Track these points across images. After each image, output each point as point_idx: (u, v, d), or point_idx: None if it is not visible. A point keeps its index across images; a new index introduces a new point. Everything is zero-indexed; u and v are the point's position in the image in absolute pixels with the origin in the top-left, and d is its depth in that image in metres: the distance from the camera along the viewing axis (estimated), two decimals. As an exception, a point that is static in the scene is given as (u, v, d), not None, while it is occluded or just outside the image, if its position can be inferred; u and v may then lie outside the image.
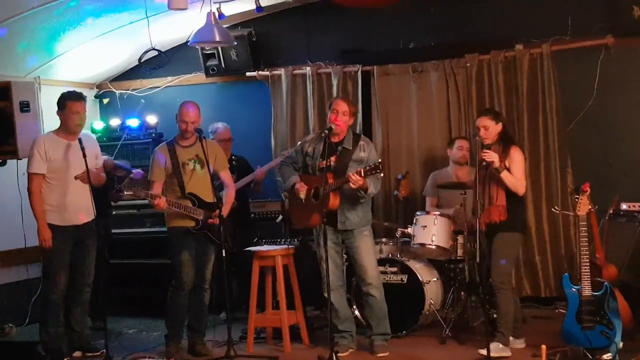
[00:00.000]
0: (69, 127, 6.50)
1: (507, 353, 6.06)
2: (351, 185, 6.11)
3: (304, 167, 6.61)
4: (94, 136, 7.19)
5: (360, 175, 6.07)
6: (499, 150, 6.17)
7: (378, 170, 6.05)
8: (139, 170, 7.49)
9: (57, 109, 6.53)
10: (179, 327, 6.63)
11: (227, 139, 7.71)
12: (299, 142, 6.90)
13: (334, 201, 6.27)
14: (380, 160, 6.23)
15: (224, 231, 6.22)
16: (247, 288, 6.91)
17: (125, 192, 6.28)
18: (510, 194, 6.11)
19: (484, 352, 5.77)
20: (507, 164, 6.12)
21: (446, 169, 7.60)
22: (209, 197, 6.48)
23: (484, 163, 6.06)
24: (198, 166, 6.49)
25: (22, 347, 6.79)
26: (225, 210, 6.41)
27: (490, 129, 6.19)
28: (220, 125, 7.78)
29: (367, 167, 6.08)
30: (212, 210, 6.40)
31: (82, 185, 6.43)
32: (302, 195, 6.39)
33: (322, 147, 6.35)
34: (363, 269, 6.43)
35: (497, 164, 6.03)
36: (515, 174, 6.12)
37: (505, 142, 6.23)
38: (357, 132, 7.72)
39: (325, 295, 6.30)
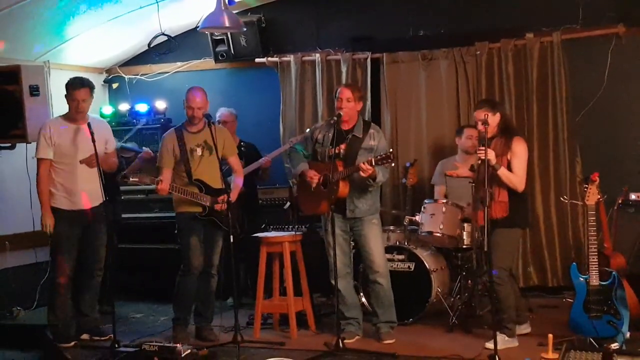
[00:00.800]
0: (70, 113, 6.54)
1: (514, 344, 6.05)
2: (361, 173, 6.11)
3: (314, 154, 6.60)
4: (105, 121, 7.20)
5: (371, 165, 6.06)
6: (500, 143, 6.07)
7: (389, 160, 6.03)
8: (147, 149, 7.50)
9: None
10: (187, 311, 6.66)
11: (226, 121, 7.72)
12: (309, 129, 6.89)
13: (343, 189, 6.27)
14: (391, 150, 6.20)
15: (232, 217, 6.23)
16: (254, 274, 6.93)
17: (131, 178, 6.32)
18: (511, 190, 6.05)
19: (490, 345, 5.76)
20: (509, 158, 6.04)
21: (454, 157, 7.56)
22: (216, 184, 6.49)
23: (479, 160, 5.97)
24: (206, 152, 6.50)
25: (30, 330, 6.84)
26: (233, 196, 6.42)
27: (488, 121, 6.01)
28: (223, 109, 7.84)
29: (378, 157, 6.05)
30: (219, 196, 6.41)
31: (90, 169, 6.44)
32: (315, 184, 6.39)
33: (333, 135, 6.35)
34: (371, 257, 6.43)
35: (492, 161, 5.92)
36: (516, 169, 6.02)
37: (506, 133, 6.12)
38: (367, 119, 7.71)
39: (333, 282, 6.31)
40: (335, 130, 6.34)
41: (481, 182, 5.92)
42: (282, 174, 8.29)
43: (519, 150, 6.07)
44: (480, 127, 6.04)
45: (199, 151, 6.50)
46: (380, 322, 6.48)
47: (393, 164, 6.32)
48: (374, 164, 6.05)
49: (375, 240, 6.46)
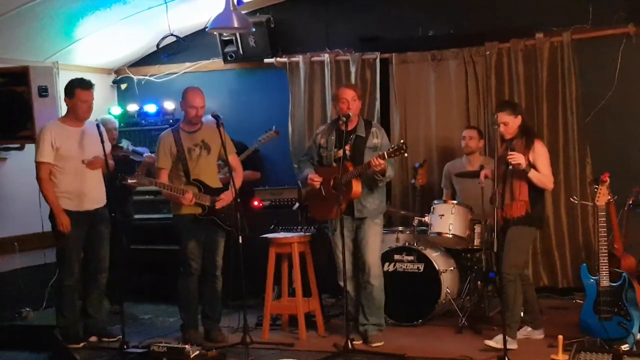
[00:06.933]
0: (78, 115, 6.53)
1: (513, 346, 5.97)
2: (373, 168, 6.08)
3: (319, 160, 6.57)
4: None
5: (383, 159, 6.03)
6: (521, 144, 6.08)
7: (402, 151, 6.00)
8: (150, 154, 7.51)
9: (64, 96, 6.55)
10: (194, 315, 6.65)
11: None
12: (274, 128, 6.89)
13: (356, 189, 6.25)
14: (402, 140, 6.18)
15: (227, 217, 6.22)
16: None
17: (129, 181, 6.24)
18: (531, 189, 6.05)
19: (490, 343, 5.76)
20: (530, 159, 6.04)
21: (460, 159, 7.57)
22: (215, 183, 6.50)
23: (510, 166, 5.98)
24: (204, 152, 6.49)
25: (39, 331, 6.83)
26: (228, 196, 6.40)
27: (510, 124, 6.10)
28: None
29: (390, 149, 6.03)
30: (218, 196, 6.41)
31: (94, 171, 6.44)
32: (317, 185, 6.36)
33: (336, 137, 6.34)
34: (365, 256, 6.38)
35: (523, 165, 5.95)
36: (542, 169, 6.04)
37: (527, 135, 6.14)
38: (374, 120, 7.71)
39: (341, 283, 6.29)
40: (338, 132, 6.34)
41: (500, 181, 5.96)
42: (290, 174, 8.27)
43: (541, 152, 6.11)
44: (501, 129, 6.07)
45: (197, 150, 6.48)
46: (369, 324, 6.42)
47: (406, 154, 6.20)
48: (386, 157, 6.03)
49: (374, 239, 6.41)
